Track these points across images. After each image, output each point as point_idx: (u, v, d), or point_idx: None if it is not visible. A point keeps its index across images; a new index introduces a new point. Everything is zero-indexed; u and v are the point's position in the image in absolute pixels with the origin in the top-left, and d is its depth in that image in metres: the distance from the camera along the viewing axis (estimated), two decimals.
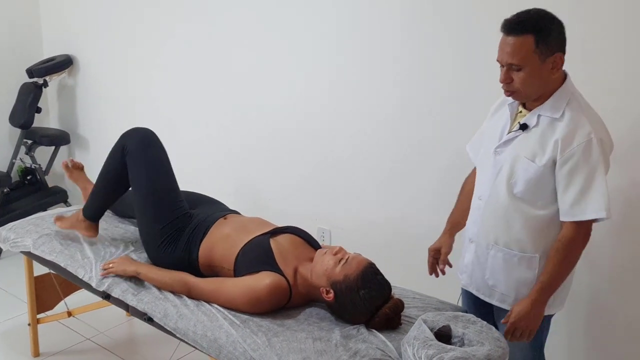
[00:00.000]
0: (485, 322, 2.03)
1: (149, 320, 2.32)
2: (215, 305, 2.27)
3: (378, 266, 2.25)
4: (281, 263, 2.30)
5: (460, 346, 1.95)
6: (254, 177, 3.81)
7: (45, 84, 4.61)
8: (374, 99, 3.18)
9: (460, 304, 2.48)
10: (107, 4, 4.35)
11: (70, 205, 4.58)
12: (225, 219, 2.60)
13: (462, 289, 2.44)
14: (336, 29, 3.25)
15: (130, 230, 2.94)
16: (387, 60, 3.09)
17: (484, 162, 2.26)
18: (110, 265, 2.52)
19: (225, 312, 2.23)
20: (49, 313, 3.27)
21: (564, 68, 2.04)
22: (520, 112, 2.16)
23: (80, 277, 2.58)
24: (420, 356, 1.86)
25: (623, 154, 2.33)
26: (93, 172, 4.77)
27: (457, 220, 2.44)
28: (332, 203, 3.46)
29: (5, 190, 4.40)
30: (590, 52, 2.45)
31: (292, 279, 2.29)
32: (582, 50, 2.40)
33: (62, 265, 2.67)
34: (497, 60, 2.03)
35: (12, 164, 4.61)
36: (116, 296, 2.44)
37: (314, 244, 2.50)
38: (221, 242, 2.48)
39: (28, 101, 4.50)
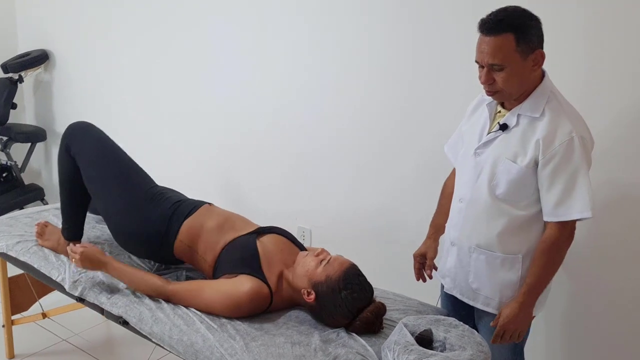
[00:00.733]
0: (467, 326, 2.00)
1: (124, 323, 2.27)
2: (193, 309, 2.22)
3: (358, 266, 2.22)
4: (265, 268, 2.25)
5: (441, 351, 1.92)
6: (233, 176, 3.77)
7: (21, 80, 4.53)
8: (354, 99, 3.16)
9: (439, 305, 2.46)
10: None
11: (47, 204, 4.50)
12: (210, 206, 2.55)
13: (442, 290, 2.42)
14: (314, 29, 3.22)
15: (106, 231, 2.88)
16: (364, 59, 3.06)
17: (464, 164, 2.23)
18: (79, 251, 2.33)
19: (203, 315, 2.18)
20: (25, 314, 3.21)
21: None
22: (499, 112, 2.13)
23: (54, 279, 2.52)
24: None
25: (603, 152, 2.32)
26: None
27: (440, 224, 2.40)
28: (312, 202, 3.43)
29: None
30: (567, 50, 2.44)
31: (274, 284, 2.24)
32: (559, 47, 2.38)
33: (35, 266, 2.60)
34: (476, 61, 2.00)
35: None
36: (90, 300, 2.39)
37: (299, 245, 2.46)
38: (207, 233, 2.41)
39: (3, 97, 4.43)
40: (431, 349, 1.93)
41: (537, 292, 2.09)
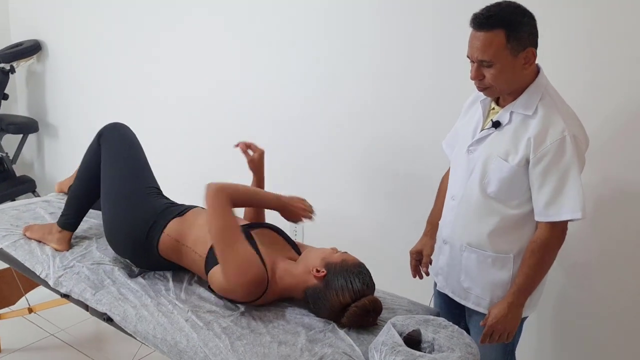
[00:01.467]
0: (456, 327, 1.96)
1: (109, 320, 2.23)
2: (178, 305, 2.17)
3: None
4: (263, 254, 2.21)
5: (430, 352, 1.88)
6: (223, 175, 3.72)
7: (13, 70, 4.48)
8: (347, 96, 3.12)
9: (432, 304, 2.42)
10: None
11: (38, 196, 4.46)
12: (203, 209, 2.51)
13: (435, 288, 2.39)
14: (310, 28, 3.19)
15: (95, 225, 2.84)
16: (360, 57, 3.03)
17: (457, 161, 2.19)
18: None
19: (189, 313, 2.13)
20: (12, 308, 3.17)
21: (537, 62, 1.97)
22: (493, 109, 2.09)
23: (38, 274, 2.48)
24: None
25: (597, 150, 2.28)
26: (63, 161, 4.73)
27: (436, 221, 2.36)
28: (305, 198, 3.38)
29: None
30: (563, 47, 2.40)
31: (270, 272, 2.20)
32: (557, 45, 2.34)
33: (19, 260, 2.56)
34: (467, 56, 1.96)
35: None
36: (75, 297, 2.35)
37: (291, 242, 2.43)
38: (198, 228, 2.37)
39: None
40: (419, 349, 1.89)
41: (526, 292, 2.05)
